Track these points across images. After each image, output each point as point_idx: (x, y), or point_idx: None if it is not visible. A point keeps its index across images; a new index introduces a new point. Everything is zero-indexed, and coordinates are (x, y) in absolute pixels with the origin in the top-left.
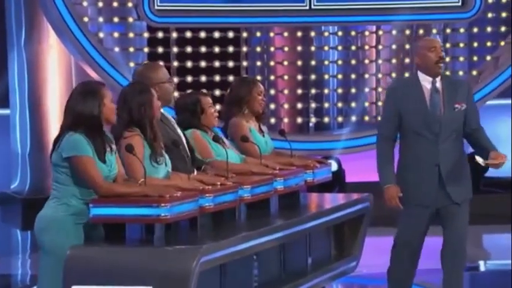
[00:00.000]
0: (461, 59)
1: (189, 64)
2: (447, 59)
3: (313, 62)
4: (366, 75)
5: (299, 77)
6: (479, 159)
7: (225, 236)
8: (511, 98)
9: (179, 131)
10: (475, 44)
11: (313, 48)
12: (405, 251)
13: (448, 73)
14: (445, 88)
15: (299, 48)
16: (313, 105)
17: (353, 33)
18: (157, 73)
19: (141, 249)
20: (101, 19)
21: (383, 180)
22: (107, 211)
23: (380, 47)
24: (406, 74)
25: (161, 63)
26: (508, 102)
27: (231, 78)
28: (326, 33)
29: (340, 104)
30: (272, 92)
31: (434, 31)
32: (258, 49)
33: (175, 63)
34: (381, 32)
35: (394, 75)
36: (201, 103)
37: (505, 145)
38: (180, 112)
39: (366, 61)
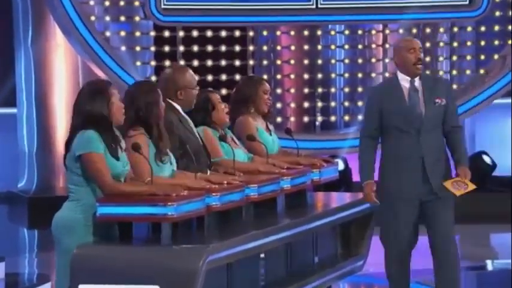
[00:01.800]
0: (468, 57)
1: (195, 63)
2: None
3: (319, 61)
4: (373, 74)
5: (306, 76)
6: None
7: (232, 235)
8: (511, 98)
9: (195, 131)
10: (482, 43)
11: (319, 47)
12: (393, 249)
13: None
14: (424, 86)
15: (306, 47)
16: (319, 104)
17: (360, 32)
18: (186, 77)
19: (148, 248)
20: (107, 18)
21: (364, 177)
22: (114, 210)
23: (387, 45)
24: None
25: (168, 62)
26: (507, 101)
27: (237, 77)
28: (333, 32)
29: (346, 103)
30: (279, 91)
31: (441, 30)
32: (265, 48)
33: (182, 62)
34: (387, 31)
35: None
36: (211, 100)
37: (504, 145)
38: (191, 111)
39: (373, 60)
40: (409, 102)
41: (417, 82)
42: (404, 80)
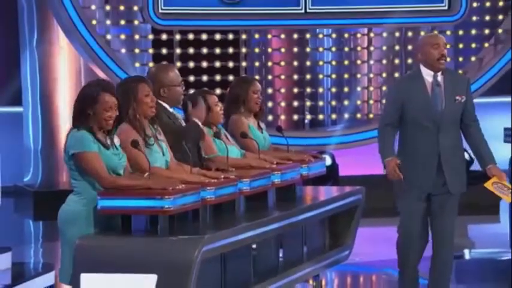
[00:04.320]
0: (447, 59)
1: (191, 64)
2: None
3: (308, 63)
4: (358, 75)
5: (295, 77)
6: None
7: (226, 226)
8: (511, 96)
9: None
10: (461, 46)
11: (308, 50)
12: (409, 236)
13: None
14: (446, 81)
15: (295, 49)
16: (308, 103)
17: (346, 35)
18: (169, 75)
19: (146, 239)
20: (108, 22)
21: (384, 155)
22: (114, 203)
23: (371, 48)
24: (396, 74)
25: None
26: (507, 99)
27: (231, 77)
28: (320, 35)
29: (333, 102)
30: (270, 91)
31: (422, 33)
32: (257, 50)
33: (178, 64)
34: (372, 34)
35: (384, 75)
36: (208, 101)
37: (503, 144)
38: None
39: (358, 62)
40: (431, 97)
41: (440, 77)
42: (427, 75)
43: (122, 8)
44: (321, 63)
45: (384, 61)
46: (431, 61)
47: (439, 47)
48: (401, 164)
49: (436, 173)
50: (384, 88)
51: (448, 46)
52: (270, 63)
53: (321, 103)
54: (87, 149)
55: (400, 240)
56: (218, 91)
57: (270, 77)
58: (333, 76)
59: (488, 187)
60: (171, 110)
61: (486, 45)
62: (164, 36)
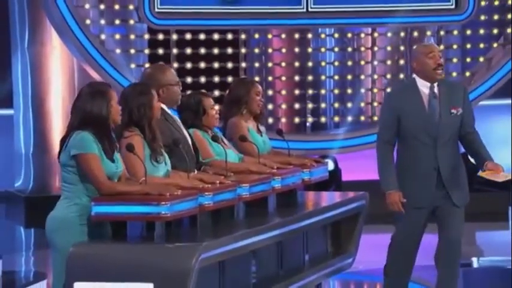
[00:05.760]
0: (454, 60)
1: (188, 65)
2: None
3: (310, 63)
4: (362, 76)
5: (296, 78)
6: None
7: (224, 233)
8: (511, 98)
9: (184, 130)
10: (468, 46)
11: (310, 50)
12: (402, 249)
13: (443, 75)
14: (442, 93)
15: (296, 49)
16: (310, 105)
17: (349, 35)
18: (166, 75)
19: (142, 246)
20: (102, 21)
21: (385, 186)
22: (109, 209)
23: (375, 48)
24: (401, 75)
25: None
26: (507, 102)
27: (230, 79)
28: (323, 35)
29: (336, 104)
30: (270, 92)
31: (428, 33)
32: (256, 50)
33: (175, 65)
34: (376, 34)
35: (389, 76)
36: (204, 104)
37: (504, 145)
38: (182, 111)
39: (362, 62)
40: (428, 110)
41: (436, 88)
42: (423, 86)
43: (116, 6)
44: (323, 63)
45: (389, 62)
46: (428, 71)
47: (435, 56)
48: (400, 179)
49: (435, 188)
50: (389, 90)
51: (442, 49)
52: (270, 64)
53: (323, 105)
54: (88, 150)
55: (393, 250)
56: (216, 93)
57: (270, 78)
58: (336, 77)
59: (482, 175)
60: (169, 111)
61: (495, 45)
62: (161, 36)
